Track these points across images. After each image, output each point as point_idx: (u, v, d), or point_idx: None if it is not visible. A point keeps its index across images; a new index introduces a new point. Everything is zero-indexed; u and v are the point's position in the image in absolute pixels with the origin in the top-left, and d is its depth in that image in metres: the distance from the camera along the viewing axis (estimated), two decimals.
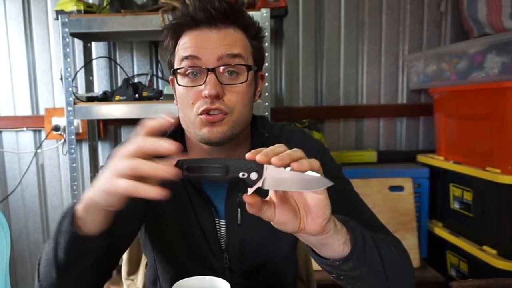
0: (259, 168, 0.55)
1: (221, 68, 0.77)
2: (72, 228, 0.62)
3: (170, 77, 0.86)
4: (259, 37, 0.85)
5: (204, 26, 0.78)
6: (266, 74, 1.60)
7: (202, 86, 0.76)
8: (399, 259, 0.72)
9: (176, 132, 0.88)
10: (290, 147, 0.89)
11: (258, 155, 0.54)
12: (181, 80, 0.79)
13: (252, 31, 0.82)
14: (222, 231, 0.86)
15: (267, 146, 0.86)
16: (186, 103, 0.78)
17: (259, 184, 0.56)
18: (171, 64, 0.84)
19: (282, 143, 0.88)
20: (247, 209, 0.56)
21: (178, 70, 0.79)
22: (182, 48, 0.79)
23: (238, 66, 0.78)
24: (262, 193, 0.58)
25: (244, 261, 0.86)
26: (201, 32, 0.78)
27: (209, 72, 0.76)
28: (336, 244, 0.61)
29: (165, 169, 0.53)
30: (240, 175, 0.56)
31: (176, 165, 0.56)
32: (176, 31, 0.81)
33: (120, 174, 0.55)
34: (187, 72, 0.78)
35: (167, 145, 0.54)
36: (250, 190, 0.56)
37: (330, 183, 0.56)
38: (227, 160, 0.57)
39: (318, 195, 0.55)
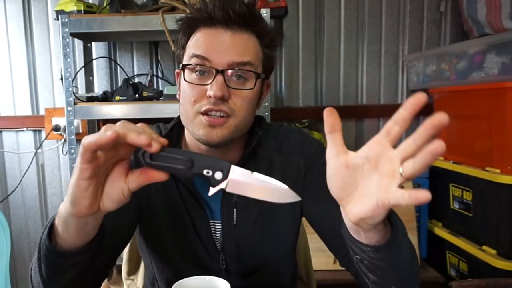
0: (225, 168, 0.53)
1: (230, 71, 0.76)
2: (50, 243, 0.60)
3: (176, 71, 0.85)
4: (272, 45, 0.84)
5: (220, 26, 0.77)
6: None
7: (208, 86, 0.75)
8: (416, 262, 0.72)
9: (173, 128, 0.87)
10: (287, 147, 0.89)
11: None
12: (188, 75, 0.78)
13: (266, 39, 0.81)
14: (217, 232, 0.86)
15: (261, 144, 0.86)
16: (188, 100, 0.78)
17: (222, 186, 0.54)
18: (179, 58, 0.83)
19: (279, 142, 0.89)
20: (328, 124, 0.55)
21: (187, 66, 0.78)
22: (195, 45, 0.78)
23: (247, 72, 0.77)
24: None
25: (241, 262, 0.86)
26: (215, 31, 0.77)
27: (218, 74, 0.75)
28: (374, 236, 0.59)
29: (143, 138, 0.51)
30: (205, 172, 0.53)
31: (137, 152, 0.54)
32: (190, 26, 0.80)
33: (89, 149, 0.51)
34: (196, 69, 0.77)
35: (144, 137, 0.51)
36: (212, 191, 0.54)
37: (298, 198, 0.56)
38: (194, 154, 0.54)
39: (377, 209, 0.52)
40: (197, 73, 0.77)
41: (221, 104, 0.75)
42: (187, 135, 0.86)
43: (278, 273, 0.91)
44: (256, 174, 0.55)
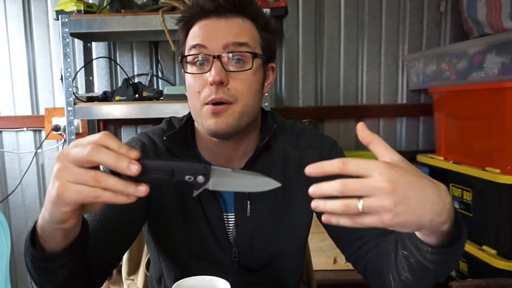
0: (206, 171, 0.54)
1: (227, 55, 0.78)
2: (33, 247, 0.59)
3: (183, 70, 0.87)
4: (269, 29, 0.85)
5: (213, 16, 0.79)
6: None
7: (208, 74, 0.77)
8: None
9: (186, 124, 0.88)
10: (302, 142, 0.90)
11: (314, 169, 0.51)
12: (189, 68, 0.81)
13: (261, 22, 0.83)
14: (230, 225, 0.86)
15: (275, 137, 0.87)
16: (193, 92, 0.79)
17: (205, 186, 0.54)
18: (182, 55, 0.84)
19: (294, 139, 0.90)
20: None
21: (187, 59, 0.80)
22: (191, 38, 0.80)
23: (244, 54, 0.78)
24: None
25: (253, 255, 0.86)
26: (209, 21, 0.79)
27: (215, 59, 0.76)
28: (434, 238, 0.57)
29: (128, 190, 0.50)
30: (186, 178, 0.53)
31: None
32: (187, 22, 0.82)
33: (72, 179, 0.50)
34: (195, 60, 0.79)
35: (127, 164, 0.50)
36: (195, 193, 0.55)
37: (278, 184, 0.56)
38: (173, 163, 0.54)
39: None
40: (197, 63, 0.79)
41: (221, 90, 0.76)
42: (199, 128, 0.87)
43: (288, 269, 0.91)
44: (237, 171, 0.56)
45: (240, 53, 0.78)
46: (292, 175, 0.87)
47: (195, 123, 0.86)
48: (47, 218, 0.55)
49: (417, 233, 0.58)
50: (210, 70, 0.77)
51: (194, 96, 0.79)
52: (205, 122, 0.78)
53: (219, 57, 0.77)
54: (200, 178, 0.54)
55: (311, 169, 0.51)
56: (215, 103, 0.76)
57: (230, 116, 0.77)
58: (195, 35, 0.80)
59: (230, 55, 0.78)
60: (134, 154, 0.51)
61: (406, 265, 0.63)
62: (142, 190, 0.51)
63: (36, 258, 0.60)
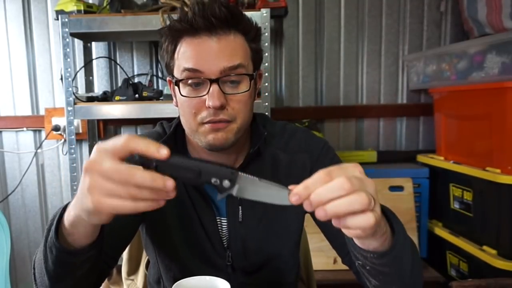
0: (232, 176, 0.54)
1: (223, 78, 0.76)
2: (59, 242, 0.60)
3: (168, 78, 0.85)
4: (257, 39, 0.84)
5: (204, 34, 0.76)
6: (266, 74, 1.61)
7: (205, 97, 0.76)
8: (419, 263, 0.72)
9: (176, 133, 0.88)
10: (293, 145, 0.90)
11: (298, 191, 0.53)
12: (183, 89, 0.79)
13: (251, 33, 0.82)
14: (223, 229, 0.87)
15: (266, 143, 0.87)
16: (189, 112, 0.78)
17: (230, 192, 0.54)
18: (170, 68, 0.83)
19: (284, 142, 0.90)
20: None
21: (181, 81, 0.78)
22: (183, 58, 0.78)
23: (240, 76, 0.78)
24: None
25: (247, 259, 0.87)
26: (201, 40, 0.76)
27: (212, 83, 0.75)
28: (374, 243, 0.59)
29: (163, 185, 0.51)
30: (212, 180, 0.54)
31: (143, 161, 0.52)
32: (174, 36, 0.79)
33: (105, 193, 0.50)
34: (189, 82, 0.77)
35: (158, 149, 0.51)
36: (220, 196, 0.55)
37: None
38: (201, 163, 0.54)
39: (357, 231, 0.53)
40: (191, 85, 0.78)
41: (220, 113, 0.76)
42: (192, 140, 0.87)
43: (282, 270, 0.91)
44: (263, 181, 0.56)
45: (236, 76, 0.77)
46: (282, 179, 0.87)
47: (188, 135, 0.86)
48: (84, 217, 0.55)
49: (357, 242, 0.61)
50: (208, 93, 0.75)
51: (190, 116, 0.78)
52: (204, 139, 0.78)
53: (216, 81, 0.75)
54: (226, 183, 0.54)
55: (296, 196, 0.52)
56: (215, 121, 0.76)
57: (229, 132, 0.78)
58: (187, 55, 0.77)
59: (226, 78, 0.76)
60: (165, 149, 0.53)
61: (367, 273, 0.65)
62: (170, 184, 0.50)
63: (62, 253, 0.61)
